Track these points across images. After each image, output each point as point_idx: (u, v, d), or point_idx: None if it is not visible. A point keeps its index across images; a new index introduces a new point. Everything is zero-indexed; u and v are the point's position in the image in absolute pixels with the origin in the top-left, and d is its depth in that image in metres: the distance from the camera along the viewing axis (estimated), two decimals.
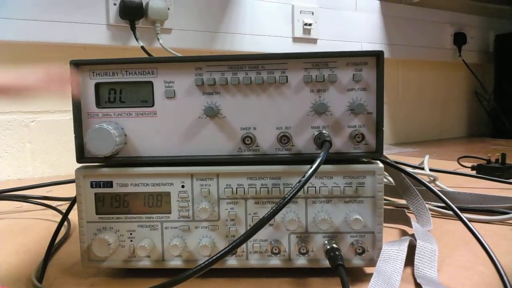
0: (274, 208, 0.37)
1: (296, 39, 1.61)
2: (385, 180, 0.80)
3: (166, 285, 0.35)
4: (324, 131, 0.46)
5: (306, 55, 0.45)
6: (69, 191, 0.86)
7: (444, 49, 2.09)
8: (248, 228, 0.47)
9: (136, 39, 1.25)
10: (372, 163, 0.47)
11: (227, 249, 0.36)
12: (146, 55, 1.23)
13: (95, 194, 0.47)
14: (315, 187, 0.46)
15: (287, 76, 0.46)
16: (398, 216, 0.65)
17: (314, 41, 1.66)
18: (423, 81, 2.11)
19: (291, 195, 0.37)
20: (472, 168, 1.10)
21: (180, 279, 0.35)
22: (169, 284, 0.35)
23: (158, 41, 1.28)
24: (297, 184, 0.38)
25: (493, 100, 2.17)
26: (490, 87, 2.20)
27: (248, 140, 0.46)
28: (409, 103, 2.07)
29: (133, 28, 1.24)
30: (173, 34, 1.35)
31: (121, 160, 0.48)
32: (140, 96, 0.47)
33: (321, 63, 0.46)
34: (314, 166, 0.39)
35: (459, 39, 2.11)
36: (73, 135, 0.47)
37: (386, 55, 1.81)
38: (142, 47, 1.25)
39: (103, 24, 1.23)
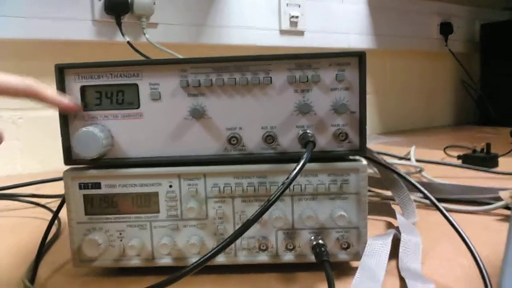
0: (260, 209, 0.38)
1: (283, 32, 1.62)
2: (371, 171, 0.82)
3: (162, 285, 0.36)
4: (308, 131, 0.46)
5: (290, 57, 0.46)
6: (58, 188, 0.86)
7: (430, 39, 2.10)
8: (236, 225, 0.48)
9: (122, 34, 1.24)
10: (356, 160, 0.48)
11: (217, 248, 0.37)
12: (132, 50, 1.23)
13: (84, 195, 0.48)
14: (300, 185, 0.47)
15: (271, 77, 0.46)
16: (383, 208, 0.67)
17: (301, 33, 1.66)
18: (410, 70, 2.12)
19: (275, 196, 0.38)
20: (458, 157, 1.12)
21: (173, 278, 0.36)
22: (164, 283, 0.36)
23: (145, 36, 1.28)
24: (281, 186, 0.39)
25: (479, 89, 2.19)
26: (477, 76, 2.22)
27: (234, 140, 0.47)
28: (397, 93, 2.08)
29: (118, 23, 1.24)
30: (160, 29, 1.34)
31: (108, 161, 0.48)
32: (125, 99, 0.47)
33: (304, 64, 0.46)
34: (298, 167, 0.40)
35: (446, 29, 2.12)
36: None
37: (373, 46, 1.81)
38: (128, 42, 1.24)
39: (88, 20, 1.22)
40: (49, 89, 0.44)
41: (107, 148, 0.47)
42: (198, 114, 0.46)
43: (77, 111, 0.47)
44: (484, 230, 0.62)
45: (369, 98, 1.93)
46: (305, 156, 0.42)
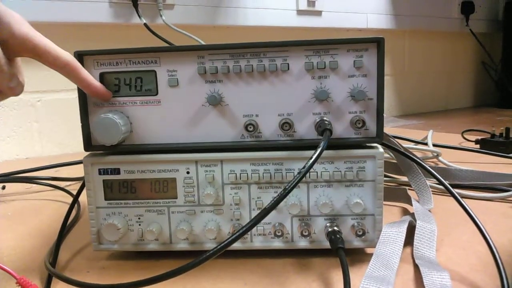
0: (276, 198, 0.38)
1: (300, 12, 1.60)
2: (387, 155, 0.81)
3: (185, 269, 0.36)
4: (325, 118, 0.46)
5: (307, 43, 0.46)
6: (77, 170, 0.88)
7: (451, 18, 2.06)
8: (252, 211, 0.49)
9: (139, 16, 1.24)
10: (372, 147, 0.48)
11: (233, 236, 0.37)
12: (149, 32, 1.23)
13: (103, 181, 0.49)
14: (316, 172, 0.47)
15: (288, 64, 0.46)
16: (399, 194, 0.67)
17: (318, 13, 1.64)
18: (429, 51, 2.09)
19: (292, 185, 0.38)
20: (476, 142, 1.11)
21: (195, 263, 0.36)
22: (187, 267, 0.36)
23: (161, 18, 1.27)
24: (298, 175, 0.39)
25: (500, 70, 2.15)
26: (498, 56, 2.17)
27: (250, 127, 0.47)
28: (415, 74, 2.05)
29: (135, 5, 1.23)
30: (176, 10, 1.34)
31: (127, 147, 0.49)
32: (144, 85, 0.48)
33: (322, 50, 0.46)
34: (314, 156, 0.40)
35: (467, 8, 2.07)
36: (79, 113, 0.48)
37: (392, 26, 1.79)
38: (145, 24, 1.24)
39: (105, 2, 1.22)
40: (85, 71, 0.45)
41: (126, 135, 0.48)
42: (215, 101, 0.47)
43: (108, 99, 0.47)
44: (501, 217, 0.62)
45: (387, 80, 1.91)
46: (321, 144, 0.42)
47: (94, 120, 0.46)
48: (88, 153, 0.50)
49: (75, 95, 0.48)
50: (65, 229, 0.53)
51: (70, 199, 0.55)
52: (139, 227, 0.49)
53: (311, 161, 0.40)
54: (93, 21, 1.22)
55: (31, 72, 1.21)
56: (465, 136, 1.21)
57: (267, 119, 0.48)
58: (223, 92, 0.47)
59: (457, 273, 0.45)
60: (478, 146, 1.08)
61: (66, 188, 0.84)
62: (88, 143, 0.49)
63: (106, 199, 0.49)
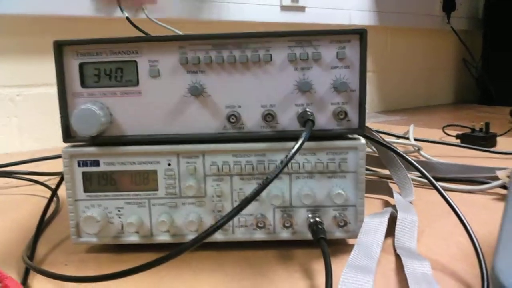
0: (258, 187, 0.38)
1: (284, 8, 1.60)
2: (369, 150, 0.82)
3: (158, 261, 0.36)
4: (307, 109, 0.46)
5: (290, 33, 0.46)
6: (57, 165, 0.87)
7: (433, 16, 2.08)
8: (234, 203, 0.48)
9: (121, 10, 1.23)
10: (354, 139, 0.48)
11: (215, 226, 0.37)
12: (131, 27, 1.21)
13: (83, 173, 0.48)
14: (298, 163, 0.47)
15: (271, 55, 0.46)
16: (381, 187, 0.67)
17: (302, 9, 1.65)
18: (411, 48, 2.11)
19: (274, 175, 0.38)
20: (457, 137, 1.12)
21: (172, 254, 0.36)
22: (161, 260, 0.36)
23: (144, 12, 1.26)
24: (280, 164, 0.39)
25: (480, 67, 2.18)
26: (478, 54, 2.20)
27: (233, 118, 0.47)
28: (397, 71, 2.07)
29: None
30: (159, 4, 1.33)
31: (107, 139, 0.48)
32: (124, 76, 0.47)
33: (304, 41, 0.46)
34: (297, 146, 0.40)
35: (448, 6, 2.10)
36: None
37: (374, 23, 1.80)
38: (127, 18, 1.23)
39: None
40: None
41: (106, 126, 0.47)
42: (197, 91, 0.46)
43: None
44: (481, 209, 0.62)
45: (369, 76, 1.92)
46: (304, 134, 0.42)
47: (73, 111, 0.45)
48: (67, 144, 0.49)
49: (55, 89, 0.47)
50: (43, 223, 0.52)
51: (49, 194, 0.54)
52: (119, 220, 0.49)
53: (293, 150, 0.40)
54: (74, 14, 1.20)
55: (10, 66, 1.19)
56: (446, 131, 1.23)
57: (249, 110, 0.47)
58: (205, 83, 0.47)
59: (438, 263, 0.46)
60: (458, 140, 1.10)
61: (46, 182, 0.83)
62: (67, 134, 0.48)
63: (85, 191, 0.48)
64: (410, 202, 0.59)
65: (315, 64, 0.46)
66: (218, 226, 0.36)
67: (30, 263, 0.44)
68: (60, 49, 0.46)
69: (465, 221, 0.46)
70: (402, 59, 2.08)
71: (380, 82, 2.00)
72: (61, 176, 0.50)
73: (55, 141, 1.26)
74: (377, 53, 1.98)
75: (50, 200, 0.53)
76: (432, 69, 2.22)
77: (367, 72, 0.46)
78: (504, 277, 0.32)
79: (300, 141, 0.41)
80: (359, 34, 0.46)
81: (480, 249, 0.43)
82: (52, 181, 0.85)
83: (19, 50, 1.19)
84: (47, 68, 1.21)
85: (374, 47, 1.94)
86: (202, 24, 1.45)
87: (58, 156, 0.86)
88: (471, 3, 2.25)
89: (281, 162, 0.40)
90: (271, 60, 0.46)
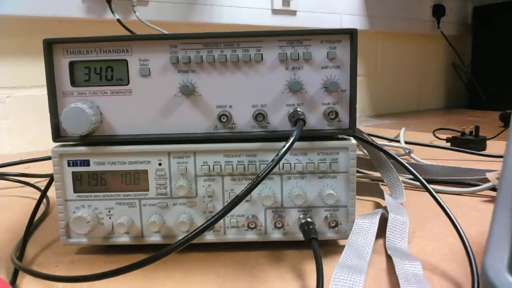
0: (248, 186, 0.38)
1: (275, 11, 1.60)
2: (360, 153, 0.82)
3: (147, 261, 0.36)
4: (298, 109, 0.46)
5: (281, 33, 0.46)
6: (48, 167, 0.86)
7: (423, 21, 2.10)
8: (226, 204, 0.48)
9: (112, 12, 1.22)
10: (345, 139, 0.48)
11: (205, 224, 0.37)
12: (122, 29, 1.21)
13: (73, 173, 0.48)
14: (290, 163, 0.47)
15: (262, 54, 0.46)
16: (372, 189, 0.67)
17: (293, 13, 1.65)
18: (401, 53, 2.12)
19: (264, 174, 0.38)
20: (447, 140, 1.13)
21: (160, 254, 0.36)
22: (150, 260, 0.36)
23: (135, 14, 1.26)
24: (271, 163, 0.39)
25: (470, 72, 2.20)
26: (468, 58, 2.23)
27: (224, 118, 0.47)
28: (388, 75, 2.08)
29: (108, 1, 1.22)
30: (150, 6, 1.33)
31: (97, 138, 0.48)
32: (115, 75, 0.47)
33: (295, 41, 0.46)
34: (287, 145, 0.40)
35: (438, 11, 2.12)
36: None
37: (365, 27, 1.81)
38: (118, 20, 1.22)
39: None
40: None
41: (96, 125, 0.47)
42: (188, 91, 0.46)
43: None
44: (470, 210, 0.63)
45: (360, 80, 1.93)
46: (295, 133, 0.42)
47: (63, 110, 0.45)
48: (56, 144, 0.49)
49: (46, 91, 0.46)
50: (32, 224, 0.52)
51: (39, 196, 0.53)
52: (110, 220, 0.48)
53: (284, 148, 0.40)
54: (65, 16, 1.20)
55: (0, 68, 1.18)
56: (437, 134, 1.24)
57: (240, 110, 0.47)
58: (196, 82, 0.47)
59: (429, 263, 0.46)
60: (449, 144, 1.10)
61: (36, 184, 0.82)
62: (57, 133, 0.47)
63: (75, 191, 0.48)
64: (401, 204, 0.59)
65: (306, 64, 0.46)
66: (209, 224, 0.36)
67: (19, 263, 0.44)
68: (49, 47, 0.46)
69: (455, 221, 0.46)
70: (392, 63, 2.09)
71: (371, 86, 2.01)
72: (51, 177, 0.49)
73: (45, 144, 1.25)
74: (368, 57, 1.99)
75: (39, 201, 0.53)
76: (422, 74, 2.24)
77: (358, 76, 0.47)
78: (493, 276, 0.33)
79: (291, 139, 0.41)
80: (350, 34, 0.46)
81: (470, 249, 0.43)
82: (43, 183, 0.84)
83: (10, 52, 1.18)
84: (38, 70, 1.21)
85: (365, 51, 1.95)
86: (193, 26, 1.45)
87: (48, 158, 0.85)
88: (461, 8, 2.27)
89: (273, 160, 0.40)
90: (262, 59, 0.46)
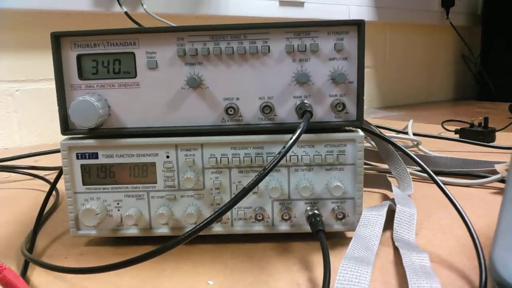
0: (255, 178, 0.38)
1: (282, 3, 1.60)
2: (368, 144, 0.82)
3: (156, 252, 0.36)
4: (305, 101, 0.46)
5: (288, 25, 0.46)
6: (57, 160, 0.87)
7: (431, 11, 2.08)
8: (233, 196, 0.48)
9: (120, 4, 1.22)
10: (352, 131, 0.48)
11: (212, 216, 0.37)
12: (130, 21, 1.21)
13: (81, 165, 0.48)
14: (297, 155, 0.47)
15: (269, 46, 0.46)
16: (379, 181, 0.67)
17: (301, 4, 1.64)
18: (410, 44, 2.11)
19: (271, 166, 0.38)
20: (456, 132, 1.12)
21: (168, 246, 0.36)
22: (158, 251, 0.36)
23: (142, 6, 1.26)
24: (278, 155, 0.39)
25: (479, 63, 2.18)
26: (477, 50, 2.20)
27: (231, 111, 0.47)
28: (396, 67, 2.07)
29: None
30: None
31: (105, 131, 0.48)
32: (122, 68, 0.47)
33: (302, 33, 0.46)
34: (294, 137, 0.40)
35: (447, 2, 2.10)
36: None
37: (373, 18, 1.80)
38: (126, 13, 1.22)
39: None
40: None
41: (104, 118, 0.47)
42: (195, 83, 0.46)
43: None
44: (479, 202, 0.62)
45: (368, 71, 1.92)
46: (301, 125, 0.42)
47: (71, 103, 0.45)
48: (65, 137, 0.49)
49: (54, 84, 0.47)
50: (42, 216, 0.52)
51: (49, 188, 0.54)
52: (118, 212, 0.49)
53: (291, 140, 0.40)
54: (73, 9, 1.20)
55: (9, 61, 1.19)
56: (445, 126, 1.23)
57: (247, 102, 0.47)
58: (203, 74, 0.47)
59: (437, 255, 0.46)
60: (457, 135, 1.10)
61: (45, 177, 0.83)
62: (65, 126, 0.48)
63: (84, 184, 0.48)
64: (409, 196, 0.59)
65: (313, 56, 0.46)
66: (216, 216, 0.36)
67: (29, 255, 0.44)
68: (57, 40, 0.46)
69: (463, 214, 0.46)
70: (401, 54, 2.08)
71: (379, 78, 2.00)
72: (60, 169, 0.50)
73: (54, 137, 1.26)
74: (376, 49, 1.98)
75: (49, 194, 0.53)
76: (431, 65, 2.22)
77: (366, 67, 0.46)
78: (501, 269, 0.33)
79: (298, 131, 0.41)
80: (357, 25, 0.45)
81: (478, 241, 0.43)
82: (52, 176, 0.85)
83: (18, 45, 1.19)
84: (47, 63, 1.21)
85: (373, 42, 1.93)
86: (201, 19, 1.44)
87: (57, 151, 0.86)
88: None
89: (280, 152, 0.40)
90: (269, 51, 0.46)
